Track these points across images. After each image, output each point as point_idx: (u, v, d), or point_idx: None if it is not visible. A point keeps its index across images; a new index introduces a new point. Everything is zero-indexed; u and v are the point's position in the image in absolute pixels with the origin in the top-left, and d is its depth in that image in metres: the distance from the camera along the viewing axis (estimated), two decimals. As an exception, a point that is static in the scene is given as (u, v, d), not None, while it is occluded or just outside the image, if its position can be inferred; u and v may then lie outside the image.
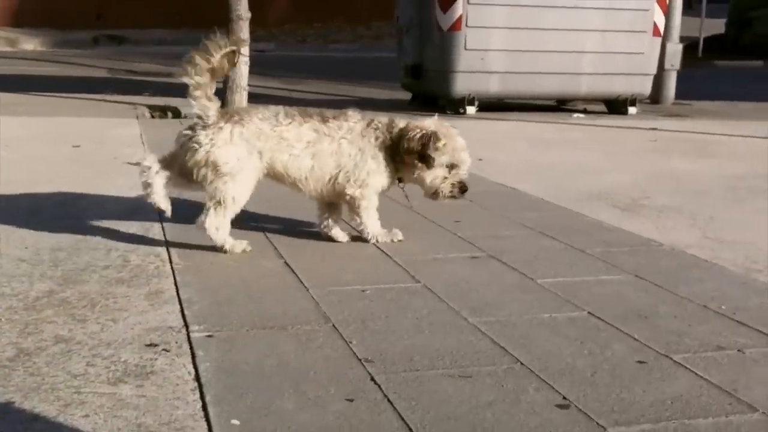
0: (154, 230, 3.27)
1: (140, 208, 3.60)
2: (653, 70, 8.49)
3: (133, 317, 2.32)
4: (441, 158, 3.09)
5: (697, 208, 3.99)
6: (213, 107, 3.05)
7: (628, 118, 8.11)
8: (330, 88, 10.19)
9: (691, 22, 13.81)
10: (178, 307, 2.41)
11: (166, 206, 3.00)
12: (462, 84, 7.95)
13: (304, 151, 3.05)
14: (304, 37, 20.05)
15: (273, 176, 3.12)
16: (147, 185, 2.98)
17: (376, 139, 3.13)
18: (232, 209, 2.99)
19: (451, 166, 3.12)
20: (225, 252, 2.97)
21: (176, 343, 2.14)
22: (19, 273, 2.69)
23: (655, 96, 9.17)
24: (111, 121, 6.66)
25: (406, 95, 9.07)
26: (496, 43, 7.91)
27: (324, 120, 3.11)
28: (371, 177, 3.12)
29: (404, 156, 3.09)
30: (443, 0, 7.80)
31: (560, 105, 9.00)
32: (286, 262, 2.91)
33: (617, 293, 2.67)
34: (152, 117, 7.39)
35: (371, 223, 3.19)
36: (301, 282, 2.69)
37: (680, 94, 9.59)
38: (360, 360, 2.06)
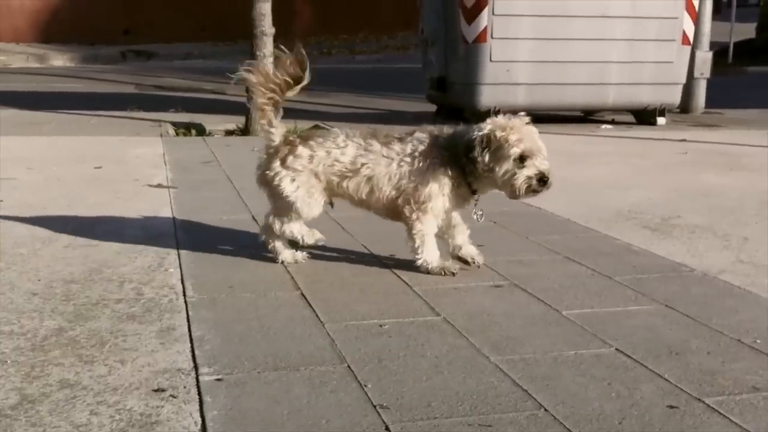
0: (170, 259, 3.21)
1: (157, 235, 3.55)
2: (682, 80, 8.31)
3: (142, 358, 2.25)
4: (509, 152, 2.87)
5: (730, 228, 3.85)
6: (277, 132, 3.17)
7: (657, 129, 7.95)
8: (355, 101, 10.13)
9: (719, 27, 13.55)
10: (189, 346, 2.33)
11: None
12: (487, 96, 7.84)
13: (358, 174, 3.02)
14: (329, 49, 20.05)
15: (342, 197, 3.17)
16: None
17: (442, 157, 2.99)
18: (288, 227, 3.13)
19: (522, 158, 2.88)
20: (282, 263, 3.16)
21: (184, 387, 2.06)
22: (30, 308, 2.63)
23: (685, 105, 8.99)
24: (134, 140, 6.64)
25: (432, 107, 8.98)
26: (521, 55, 7.79)
27: (387, 142, 3.04)
28: (432, 200, 2.99)
29: (471, 164, 2.93)
30: (468, 12, 7.70)
31: (587, 116, 8.85)
32: (302, 294, 2.83)
33: (647, 326, 2.55)
34: (176, 135, 7.37)
35: (425, 249, 3.04)
36: (317, 316, 2.61)
37: (711, 103, 9.40)
38: (375, 406, 1.97)
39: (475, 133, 2.93)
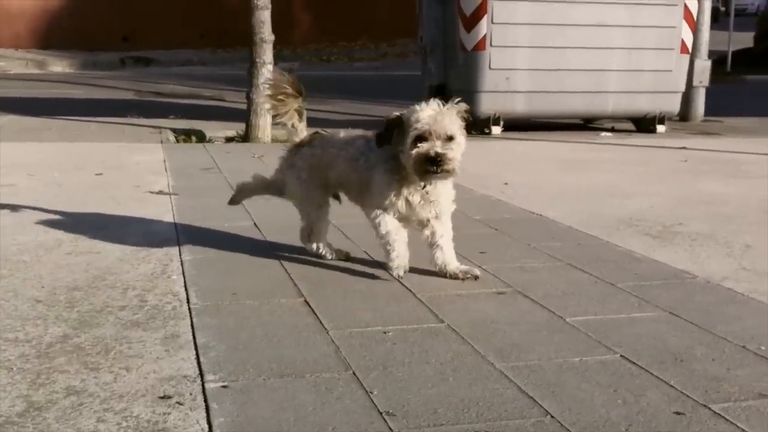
0: (173, 266, 3.21)
1: (160, 242, 3.55)
2: (681, 88, 8.35)
3: (147, 365, 2.24)
4: (409, 135, 2.85)
5: (732, 235, 3.86)
6: (298, 135, 3.34)
7: (657, 137, 7.97)
8: (355, 108, 10.14)
9: (718, 36, 13.60)
10: (194, 353, 2.33)
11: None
12: (487, 104, 7.87)
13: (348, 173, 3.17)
14: (328, 56, 20.10)
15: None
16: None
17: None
18: (308, 223, 3.33)
19: (417, 139, 2.84)
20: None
21: (190, 394, 2.06)
22: (35, 315, 2.63)
23: (684, 113, 9.03)
24: (135, 146, 6.65)
25: (431, 115, 8.99)
26: (521, 63, 7.82)
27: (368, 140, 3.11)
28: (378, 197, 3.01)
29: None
30: (467, 20, 7.73)
31: (587, 123, 8.88)
32: (305, 300, 2.83)
33: (651, 333, 2.55)
34: (177, 141, 7.38)
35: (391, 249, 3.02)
36: (321, 323, 2.61)
37: (710, 111, 9.43)
38: (381, 413, 1.97)
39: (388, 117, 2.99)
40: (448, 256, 3.12)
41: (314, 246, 3.34)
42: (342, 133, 3.32)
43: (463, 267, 3.14)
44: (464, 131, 2.94)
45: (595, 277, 3.16)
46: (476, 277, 3.09)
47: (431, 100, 2.93)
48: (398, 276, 3.02)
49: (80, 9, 18.85)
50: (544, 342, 2.47)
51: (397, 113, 2.95)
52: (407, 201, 3.00)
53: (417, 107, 2.92)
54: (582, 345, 2.45)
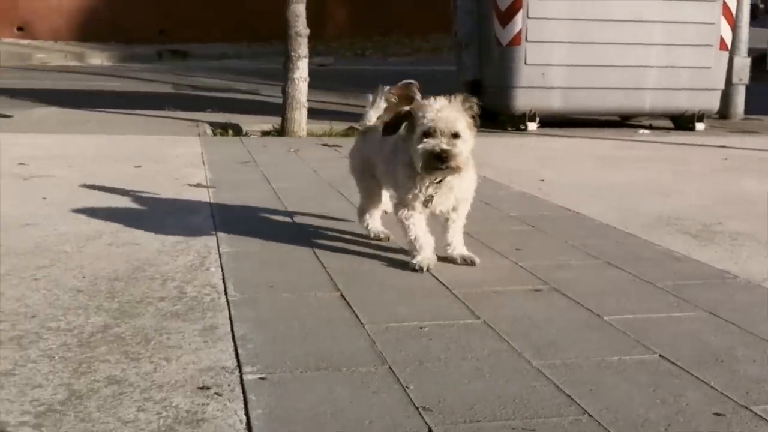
0: (211, 258, 3.24)
1: (198, 234, 3.59)
2: (721, 85, 8.23)
3: (186, 356, 2.27)
4: (417, 131, 2.92)
5: (772, 235, 3.80)
6: (370, 124, 3.52)
7: (695, 135, 7.87)
8: (389, 103, 10.13)
9: (756, 33, 13.37)
10: (232, 344, 2.35)
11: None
12: (522, 100, 7.82)
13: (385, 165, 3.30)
14: (363, 51, 20.10)
15: None
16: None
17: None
18: (368, 202, 3.53)
19: (424, 134, 2.90)
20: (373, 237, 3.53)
21: (228, 386, 2.08)
22: (76, 305, 2.67)
23: (724, 111, 8.89)
24: (173, 139, 6.72)
25: (466, 110, 8.96)
26: (557, 58, 7.76)
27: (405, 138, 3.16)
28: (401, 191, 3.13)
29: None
30: (502, 14, 7.69)
31: (624, 120, 8.79)
32: (342, 295, 2.84)
33: (691, 333, 2.53)
34: (214, 134, 7.44)
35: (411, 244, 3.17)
36: (357, 317, 2.61)
37: (749, 109, 9.28)
38: (417, 408, 1.97)
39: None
40: (454, 240, 3.25)
41: (363, 221, 3.56)
42: None
43: (466, 253, 3.23)
44: (473, 126, 3.00)
45: (633, 275, 3.13)
46: (473, 263, 3.19)
47: (440, 96, 2.99)
48: (419, 269, 3.10)
49: (118, 2, 19.05)
50: (582, 340, 2.46)
51: (407, 107, 3.00)
52: (427, 193, 3.08)
53: (425, 102, 2.99)
54: (620, 344, 2.43)
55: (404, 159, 3.07)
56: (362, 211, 3.57)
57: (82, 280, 2.94)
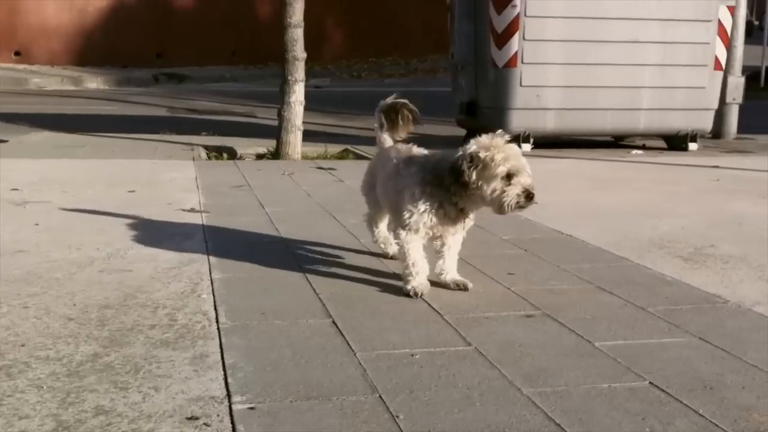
0: (203, 285, 3.24)
1: (190, 261, 3.59)
2: (714, 105, 8.26)
3: (176, 385, 2.27)
4: (496, 171, 2.95)
5: (765, 258, 3.81)
6: (384, 145, 3.55)
7: (688, 155, 7.90)
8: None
9: (751, 50, 13.44)
10: (222, 373, 2.35)
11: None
12: (517, 121, 7.85)
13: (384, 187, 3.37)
14: (359, 72, 20.20)
15: None
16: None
17: (423, 178, 3.13)
18: (369, 213, 3.67)
19: (509, 176, 2.96)
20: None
21: (218, 416, 2.07)
22: (66, 333, 2.67)
23: (717, 131, 8.94)
24: (167, 163, 6.73)
25: (461, 132, 8.99)
26: (552, 80, 7.80)
27: (407, 158, 3.27)
28: (415, 218, 3.11)
29: (457, 185, 3.01)
30: (499, 36, 7.74)
31: (618, 141, 8.82)
32: (333, 321, 2.84)
33: (681, 359, 2.53)
34: (208, 158, 7.45)
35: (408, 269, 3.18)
36: (348, 344, 2.61)
37: (743, 128, 9.32)
38: (407, 438, 1.97)
39: (461, 153, 3.01)
40: (447, 265, 3.27)
41: (372, 231, 3.69)
42: (401, 146, 3.45)
43: (458, 279, 3.25)
44: None
45: (624, 300, 3.14)
46: (466, 288, 3.21)
47: (483, 135, 3.03)
48: (413, 295, 3.12)
49: (115, 26, 19.14)
50: (573, 367, 2.45)
51: (471, 150, 2.98)
52: (440, 223, 3.14)
53: (490, 141, 2.99)
54: (610, 371, 2.43)
55: (420, 189, 3.09)
56: (369, 222, 3.71)
57: (73, 307, 2.94)
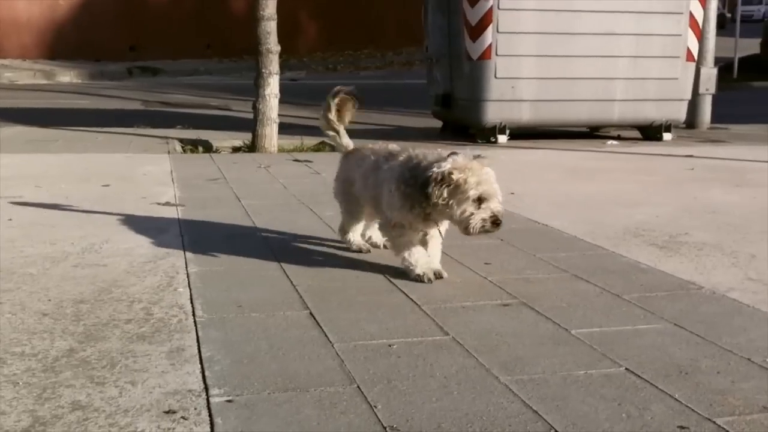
0: (179, 279, 3.22)
1: (166, 254, 3.57)
2: (688, 96, 8.35)
3: (152, 379, 2.25)
4: (467, 194, 3.00)
5: (737, 245, 3.85)
6: (345, 146, 3.71)
7: (663, 145, 7.97)
8: (361, 117, 10.11)
9: (724, 42, 13.60)
10: (199, 366, 2.34)
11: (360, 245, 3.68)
12: (493, 113, 7.88)
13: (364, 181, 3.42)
14: (335, 65, 20.14)
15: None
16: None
17: (399, 184, 3.17)
18: (349, 221, 3.63)
19: (479, 200, 3.01)
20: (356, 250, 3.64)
21: (195, 409, 2.06)
22: (41, 329, 2.64)
23: (691, 121, 9.02)
24: (142, 157, 6.68)
25: (437, 123, 9.02)
26: (526, 71, 7.83)
27: (388, 153, 3.36)
28: (394, 213, 3.19)
29: (426, 198, 3.05)
30: (473, 29, 7.75)
31: (593, 132, 8.88)
32: (311, 313, 2.83)
33: (656, 345, 2.55)
34: (184, 151, 7.41)
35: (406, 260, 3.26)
36: (326, 336, 2.61)
37: (716, 118, 9.42)
38: (385, 428, 1.97)
39: (434, 170, 3.02)
40: (431, 254, 3.33)
41: (345, 238, 3.67)
42: (375, 146, 3.52)
43: (435, 267, 3.28)
44: None
45: (600, 288, 3.16)
46: (441, 276, 3.25)
47: (459, 155, 3.06)
48: (427, 280, 3.18)
49: (87, 19, 18.96)
50: (549, 355, 2.47)
51: (445, 169, 2.99)
52: (414, 222, 3.20)
53: (466, 164, 3.02)
54: (587, 358, 2.45)
55: (387, 176, 3.19)
56: (344, 230, 3.67)
57: (48, 303, 2.91)
